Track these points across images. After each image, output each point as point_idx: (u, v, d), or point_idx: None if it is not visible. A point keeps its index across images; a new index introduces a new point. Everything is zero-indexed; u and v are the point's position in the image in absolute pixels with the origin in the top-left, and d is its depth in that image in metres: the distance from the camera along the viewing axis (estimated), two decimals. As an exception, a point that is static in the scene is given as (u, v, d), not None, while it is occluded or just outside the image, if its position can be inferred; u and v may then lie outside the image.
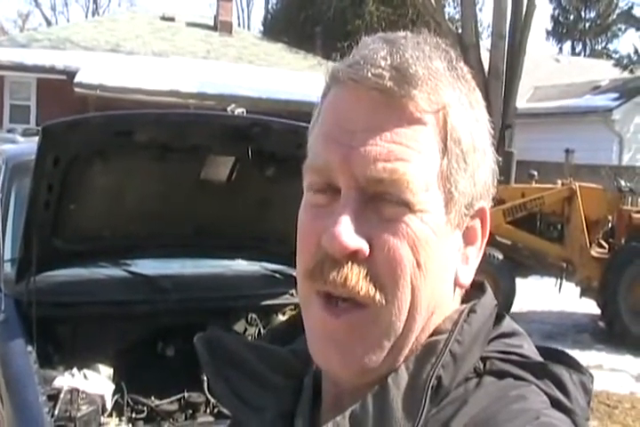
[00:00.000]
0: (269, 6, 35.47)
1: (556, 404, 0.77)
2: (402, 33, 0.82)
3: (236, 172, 3.29)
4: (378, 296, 0.75)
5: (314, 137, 0.82)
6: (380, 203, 0.76)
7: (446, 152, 0.78)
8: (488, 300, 0.85)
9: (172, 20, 22.71)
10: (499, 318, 0.85)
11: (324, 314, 0.77)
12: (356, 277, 0.75)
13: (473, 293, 0.86)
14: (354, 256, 0.75)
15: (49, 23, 40.02)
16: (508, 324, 0.85)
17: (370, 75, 0.76)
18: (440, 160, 0.77)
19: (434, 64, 0.77)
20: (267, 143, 3.15)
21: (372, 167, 0.75)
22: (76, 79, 16.01)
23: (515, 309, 8.93)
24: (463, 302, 0.85)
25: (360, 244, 0.75)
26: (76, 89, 15.85)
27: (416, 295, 0.76)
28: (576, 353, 7.40)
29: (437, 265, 0.78)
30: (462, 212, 0.80)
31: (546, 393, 0.78)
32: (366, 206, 0.76)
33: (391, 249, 0.75)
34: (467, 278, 0.83)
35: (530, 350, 0.83)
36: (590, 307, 9.23)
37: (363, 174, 0.75)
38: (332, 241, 0.74)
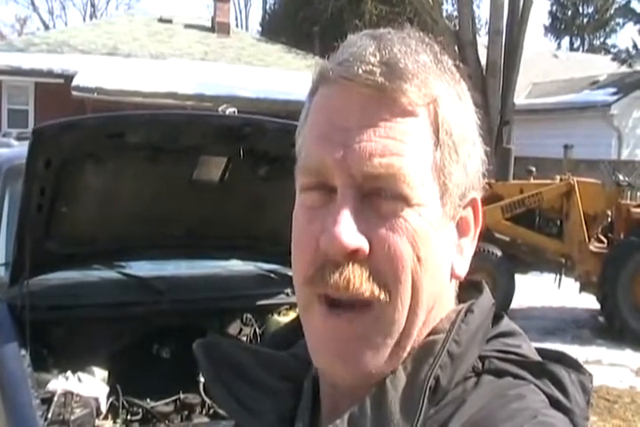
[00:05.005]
0: (267, 7, 35.51)
1: (554, 403, 0.77)
2: (385, 29, 0.81)
3: (228, 172, 3.27)
4: (382, 295, 0.75)
5: (304, 137, 0.81)
6: (377, 199, 0.75)
7: (439, 144, 0.78)
8: (486, 299, 0.85)
9: (169, 22, 22.72)
10: (497, 318, 0.85)
11: (325, 315, 0.76)
12: (359, 280, 0.74)
13: (470, 292, 0.85)
14: (354, 256, 0.74)
15: (47, 27, 39.93)
16: (506, 324, 0.85)
17: (361, 72, 0.75)
18: (433, 153, 0.77)
19: (421, 58, 0.78)
20: (259, 143, 3.14)
21: (369, 163, 0.74)
22: (74, 83, 16.03)
23: (514, 305, 8.93)
24: (461, 301, 0.84)
25: (360, 242, 0.74)
26: (74, 92, 15.86)
27: (417, 290, 0.76)
28: (576, 348, 7.40)
29: (436, 258, 0.78)
30: (456, 203, 0.80)
31: (544, 392, 0.78)
32: (363, 204, 0.75)
33: (391, 245, 0.75)
34: (462, 270, 0.83)
35: (528, 349, 0.83)
36: (590, 302, 9.21)
37: (359, 171, 0.75)
38: (332, 242, 0.73)
